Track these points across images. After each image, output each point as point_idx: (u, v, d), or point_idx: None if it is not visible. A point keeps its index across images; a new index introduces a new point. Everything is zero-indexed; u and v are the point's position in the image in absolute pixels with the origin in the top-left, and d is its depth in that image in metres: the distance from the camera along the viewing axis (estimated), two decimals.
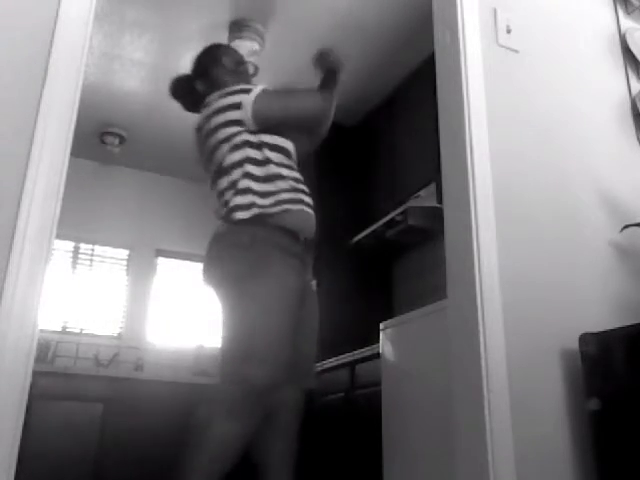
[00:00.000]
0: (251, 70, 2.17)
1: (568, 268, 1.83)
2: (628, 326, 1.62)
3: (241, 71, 2.06)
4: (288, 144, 1.91)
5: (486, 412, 1.54)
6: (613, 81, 2.19)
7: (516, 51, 1.99)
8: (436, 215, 3.06)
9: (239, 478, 1.72)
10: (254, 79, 2.18)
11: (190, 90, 2.06)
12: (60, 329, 4.77)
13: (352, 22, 3.56)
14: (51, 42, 1.48)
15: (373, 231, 3.75)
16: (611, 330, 1.65)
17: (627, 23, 2.31)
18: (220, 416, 1.59)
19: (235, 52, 2.13)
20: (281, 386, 1.68)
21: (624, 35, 2.26)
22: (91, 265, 5.07)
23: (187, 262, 5.25)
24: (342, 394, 3.29)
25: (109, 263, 5.11)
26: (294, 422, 1.85)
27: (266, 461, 1.78)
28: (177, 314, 5.12)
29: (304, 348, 1.85)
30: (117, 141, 4.75)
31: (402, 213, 3.49)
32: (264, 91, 1.90)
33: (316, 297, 1.99)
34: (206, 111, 1.92)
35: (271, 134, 1.87)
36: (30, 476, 2.56)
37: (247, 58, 3.61)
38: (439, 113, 1.93)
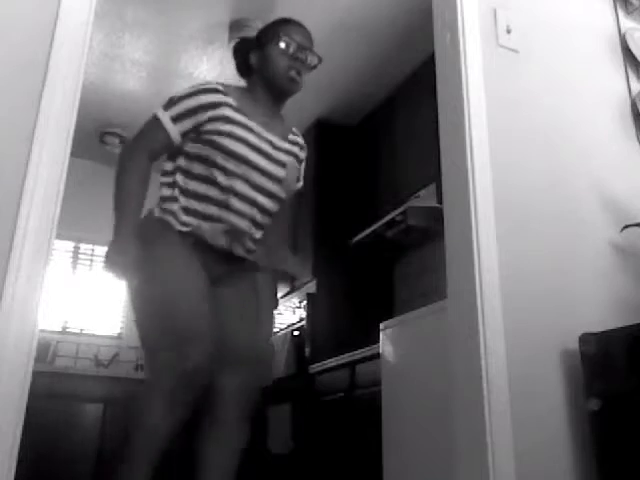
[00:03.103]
0: (313, 61, 1.89)
1: (568, 268, 1.83)
2: (628, 326, 1.62)
3: (298, 57, 1.84)
4: None
5: (486, 412, 1.54)
6: (613, 81, 2.19)
7: (516, 51, 1.99)
8: (436, 215, 3.06)
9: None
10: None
11: (245, 57, 1.92)
12: (60, 329, 4.77)
13: (352, 22, 3.56)
14: (51, 42, 1.48)
15: (373, 231, 3.75)
16: (611, 330, 1.65)
17: (627, 23, 2.31)
18: (154, 405, 1.55)
19: (302, 35, 1.88)
20: (210, 368, 1.61)
21: (624, 35, 2.25)
22: (91, 265, 5.08)
23: None
24: (342, 394, 3.29)
25: None
26: (233, 410, 1.73)
27: (201, 457, 1.71)
28: None
29: (238, 332, 1.77)
30: (117, 141, 4.76)
31: (402, 213, 3.49)
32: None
33: (253, 285, 1.89)
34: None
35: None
36: (30, 476, 2.57)
37: None
38: (439, 113, 1.93)
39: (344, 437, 3.16)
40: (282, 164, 1.84)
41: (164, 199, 1.77)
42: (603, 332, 1.65)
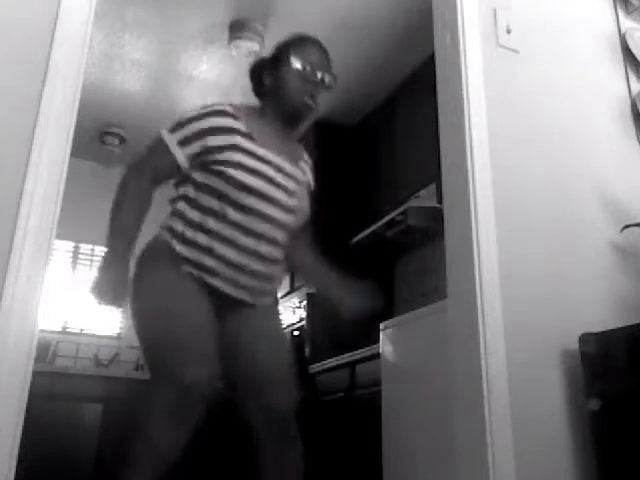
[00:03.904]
0: (328, 79, 1.80)
1: (568, 268, 1.83)
2: (628, 326, 1.62)
3: (313, 80, 1.77)
4: None
5: (486, 412, 1.54)
6: (613, 81, 2.19)
7: (516, 51, 1.99)
8: (436, 215, 3.06)
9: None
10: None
11: (260, 78, 1.84)
12: (60, 329, 4.78)
13: (352, 22, 3.56)
14: (51, 42, 1.47)
15: (373, 231, 3.75)
16: (611, 330, 1.65)
17: (627, 23, 2.31)
18: (156, 420, 1.53)
19: (318, 54, 1.81)
20: (212, 386, 1.56)
21: (624, 35, 2.25)
22: (91, 265, 5.07)
23: None
24: (342, 394, 3.29)
25: None
26: (268, 430, 1.68)
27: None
28: None
29: (258, 362, 1.73)
30: (117, 141, 4.75)
31: (402, 213, 3.49)
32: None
33: (269, 316, 1.88)
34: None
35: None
36: (30, 476, 2.57)
37: (245, 58, 3.63)
38: (439, 113, 1.93)
39: (344, 437, 3.16)
40: (293, 193, 1.76)
41: (169, 227, 1.72)
42: (603, 332, 1.65)
